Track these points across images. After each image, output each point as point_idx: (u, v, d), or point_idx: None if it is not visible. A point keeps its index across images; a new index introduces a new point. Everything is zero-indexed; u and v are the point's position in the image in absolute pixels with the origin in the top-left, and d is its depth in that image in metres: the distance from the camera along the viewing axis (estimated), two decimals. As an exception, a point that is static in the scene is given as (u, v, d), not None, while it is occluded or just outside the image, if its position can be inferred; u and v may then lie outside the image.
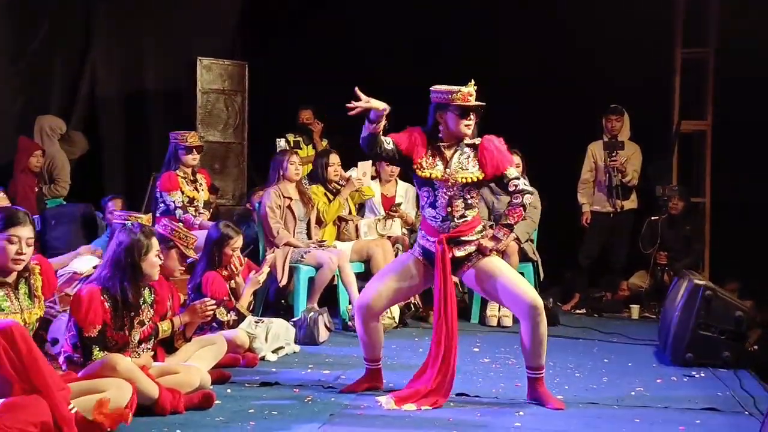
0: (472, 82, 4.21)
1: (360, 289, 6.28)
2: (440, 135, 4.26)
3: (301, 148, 8.16)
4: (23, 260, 3.53)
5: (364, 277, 6.60)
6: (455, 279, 4.47)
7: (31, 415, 3.16)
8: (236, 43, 9.14)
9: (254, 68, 8.58)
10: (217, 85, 8.45)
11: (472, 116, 4.20)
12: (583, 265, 7.76)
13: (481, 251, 4.25)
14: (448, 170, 4.22)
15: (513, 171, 4.29)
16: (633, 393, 4.57)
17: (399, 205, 7.12)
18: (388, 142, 4.20)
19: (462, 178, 4.21)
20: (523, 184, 4.28)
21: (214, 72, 8.42)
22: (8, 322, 3.27)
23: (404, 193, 7.28)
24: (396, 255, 6.73)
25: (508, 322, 6.67)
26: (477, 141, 4.28)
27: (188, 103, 8.39)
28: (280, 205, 6.42)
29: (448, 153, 4.25)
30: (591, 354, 5.73)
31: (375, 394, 4.34)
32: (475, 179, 4.23)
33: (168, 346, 4.48)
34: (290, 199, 6.47)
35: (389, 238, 6.95)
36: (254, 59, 8.65)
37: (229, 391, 4.38)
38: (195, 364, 4.36)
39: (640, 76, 7.96)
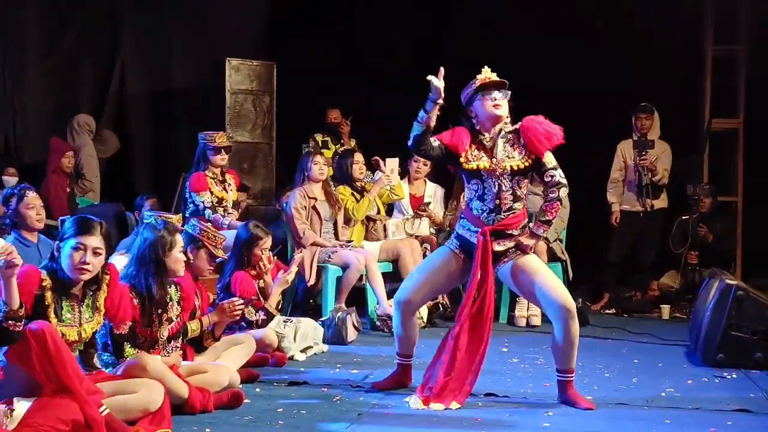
0: (485, 67, 4.21)
1: (387, 289, 6.31)
2: (478, 129, 4.24)
3: (329, 148, 8.18)
4: (88, 270, 3.44)
5: (392, 277, 6.62)
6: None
7: (62, 414, 3.18)
8: (264, 43, 9.18)
9: (282, 68, 8.61)
10: (246, 86, 8.49)
11: (496, 95, 4.16)
12: (612, 265, 7.71)
13: (521, 248, 4.23)
14: (494, 160, 4.18)
15: (551, 158, 4.23)
16: (663, 394, 4.53)
17: (428, 204, 7.11)
18: (434, 141, 4.19)
19: (509, 165, 4.16)
20: (560, 175, 4.24)
21: (242, 72, 8.46)
22: (41, 324, 3.27)
23: (433, 192, 7.27)
24: (424, 255, 6.72)
25: (536, 321, 6.64)
26: (517, 126, 4.23)
27: (216, 103, 8.44)
28: (305, 206, 6.44)
29: (490, 144, 4.21)
30: (620, 354, 5.69)
31: (403, 393, 4.34)
32: (524, 165, 4.17)
33: (197, 345, 4.51)
34: (315, 199, 6.49)
35: (417, 237, 6.95)
36: (282, 59, 8.67)
37: (258, 390, 4.40)
38: (224, 363, 4.39)
39: (671, 74, 7.90)
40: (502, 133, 4.23)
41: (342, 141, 8.35)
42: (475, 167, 4.18)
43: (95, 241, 3.44)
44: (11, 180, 7.16)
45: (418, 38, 8.46)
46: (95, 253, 3.44)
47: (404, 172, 7.24)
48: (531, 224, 4.32)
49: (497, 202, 4.19)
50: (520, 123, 4.23)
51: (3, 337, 3.21)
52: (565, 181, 4.26)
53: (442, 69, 4.09)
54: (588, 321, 6.80)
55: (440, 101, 4.10)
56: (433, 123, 4.15)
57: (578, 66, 8.11)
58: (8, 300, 3.18)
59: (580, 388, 4.50)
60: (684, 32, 7.96)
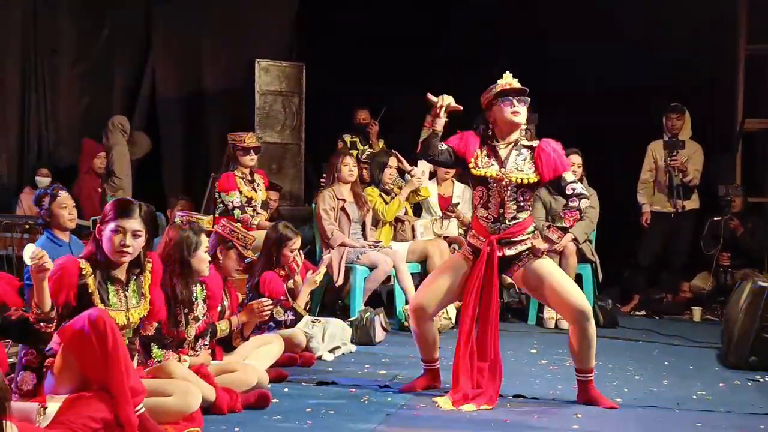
0: (507, 73, 4.21)
1: (416, 290, 6.30)
2: (493, 133, 4.25)
3: (357, 149, 8.19)
4: (128, 252, 3.43)
5: (420, 278, 6.59)
6: (511, 280, 4.45)
7: (93, 412, 3.20)
8: (293, 44, 9.22)
9: (311, 69, 8.64)
10: (275, 87, 8.52)
11: (516, 103, 4.17)
12: (643, 267, 7.64)
13: (533, 252, 4.23)
14: (503, 169, 4.20)
15: (570, 175, 4.27)
16: (694, 397, 4.48)
17: (456, 205, 7.10)
18: (442, 146, 4.24)
19: (517, 178, 4.19)
20: (581, 188, 4.26)
21: (271, 74, 8.50)
22: (98, 312, 3.25)
23: (461, 193, 7.25)
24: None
25: (566, 324, 6.58)
26: (534, 143, 4.26)
27: (246, 104, 8.49)
28: (333, 207, 6.46)
29: (503, 152, 4.24)
30: (651, 356, 5.64)
31: (432, 393, 4.34)
32: (530, 181, 4.20)
33: (226, 344, 4.53)
34: (344, 200, 6.50)
35: (446, 238, 6.94)
36: (311, 60, 8.71)
37: (286, 390, 4.41)
38: (253, 363, 4.41)
39: (703, 73, 7.82)
40: (518, 144, 4.25)
41: (370, 141, 8.36)
42: (482, 174, 4.20)
43: (135, 223, 3.45)
44: (44, 181, 7.26)
45: (448, 38, 8.45)
46: (135, 236, 3.44)
47: (432, 173, 7.23)
48: (546, 228, 4.33)
49: (501, 210, 4.21)
50: (538, 141, 4.26)
51: (35, 338, 3.25)
52: (587, 192, 4.29)
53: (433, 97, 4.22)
54: (617, 323, 6.76)
55: (438, 118, 4.18)
56: (439, 127, 4.19)
57: (608, 65, 8.05)
58: (39, 302, 3.22)
59: (610, 390, 4.48)
60: (717, 31, 7.87)
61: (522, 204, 4.22)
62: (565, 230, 4.30)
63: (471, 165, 4.22)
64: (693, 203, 7.55)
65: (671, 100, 7.52)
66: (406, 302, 6.30)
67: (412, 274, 6.44)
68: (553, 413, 4.07)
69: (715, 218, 7.49)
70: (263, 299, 4.63)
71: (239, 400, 3.94)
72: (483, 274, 4.18)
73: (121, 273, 3.50)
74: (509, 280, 6.57)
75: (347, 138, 8.32)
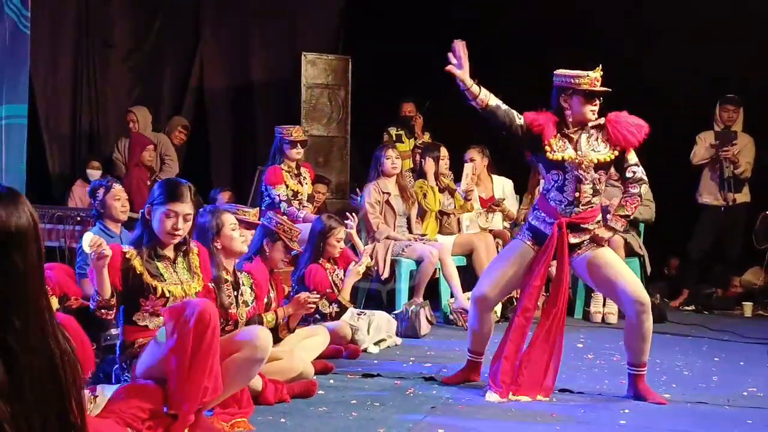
0: (600, 67, 4.14)
1: (462, 283, 6.29)
2: (566, 120, 4.17)
3: (402, 142, 8.19)
4: (179, 235, 3.51)
5: (466, 271, 6.60)
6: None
7: (144, 402, 3.25)
8: (340, 37, 9.24)
9: (357, 62, 8.66)
10: (321, 80, 8.55)
11: (597, 101, 4.12)
12: (693, 260, 7.53)
13: (596, 241, 4.17)
14: (579, 152, 4.14)
15: (634, 155, 4.19)
16: (745, 393, 4.41)
17: (502, 200, 7.05)
18: (519, 118, 4.13)
19: (596, 158, 4.11)
20: (641, 172, 4.19)
21: (318, 67, 8.53)
22: (206, 305, 3.25)
23: (501, 188, 7.20)
24: (497, 249, 6.68)
25: (612, 319, 6.54)
26: (601, 121, 4.18)
27: (293, 97, 8.53)
28: (379, 201, 6.47)
29: (574, 137, 4.17)
30: (700, 352, 5.56)
31: (475, 387, 4.33)
32: (609, 159, 4.14)
33: (273, 336, 4.56)
34: (389, 194, 6.51)
35: (491, 232, 6.91)
36: (357, 53, 8.72)
37: (331, 381, 4.44)
38: (299, 354, 4.44)
39: (757, 64, 7.65)
40: (586, 127, 4.18)
41: (415, 134, 8.36)
42: (560, 158, 4.12)
43: (186, 207, 3.50)
44: (95, 173, 7.37)
45: (494, 31, 8.40)
46: (185, 219, 3.51)
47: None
48: (608, 216, 4.27)
49: (576, 194, 4.14)
50: (604, 118, 4.18)
51: (96, 326, 3.30)
52: (646, 178, 4.22)
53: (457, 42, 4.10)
54: (666, 317, 6.67)
55: (473, 87, 4.08)
56: (486, 103, 4.09)
57: (656, 54, 7.93)
58: (100, 290, 3.28)
59: (658, 385, 4.43)
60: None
61: (598, 187, 4.17)
62: (627, 218, 4.23)
63: (547, 149, 4.12)
64: (744, 196, 7.41)
65: (725, 90, 7.38)
66: (451, 295, 6.29)
67: (457, 267, 6.43)
68: (600, 408, 4.04)
69: (767, 212, 7.34)
70: (310, 293, 4.65)
71: (285, 390, 3.97)
72: (559, 261, 4.14)
73: (169, 251, 3.56)
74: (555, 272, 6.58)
75: (392, 131, 8.32)
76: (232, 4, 9.01)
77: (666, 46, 7.93)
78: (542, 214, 4.22)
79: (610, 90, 4.13)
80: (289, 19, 9.07)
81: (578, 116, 4.15)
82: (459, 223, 6.97)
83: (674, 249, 7.71)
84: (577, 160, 4.11)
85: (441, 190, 6.91)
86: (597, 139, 4.16)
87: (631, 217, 4.31)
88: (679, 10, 7.83)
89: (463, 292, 6.38)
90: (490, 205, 7.05)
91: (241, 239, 4.12)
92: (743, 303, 7.25)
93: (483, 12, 8.43)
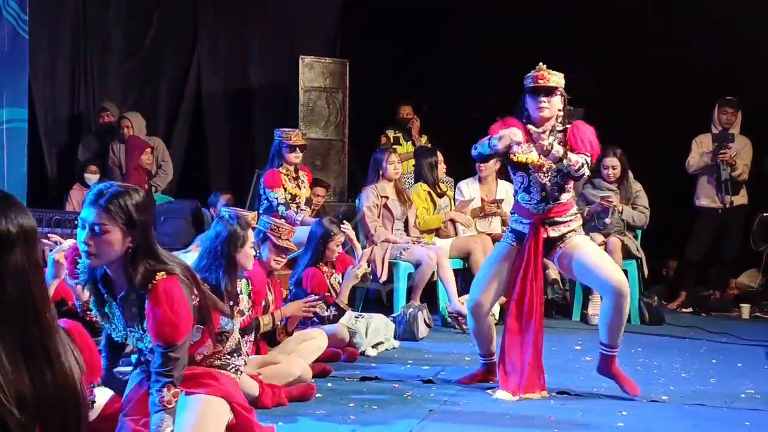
0: (541, 64, 4.22)
1: (459, 286, 6.30)
2: (529, 120, 4.26)
3: (400, 144, 8.20)
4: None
5: (463, 274, 6.61)
6: (555, 276, 4.45)
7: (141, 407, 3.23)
8: (337, 41, 9.25)
9: (355, 66, 8.67)
10: (319, 83, 8.56)
11: (543, 98, 4.18)
12: (691, 263, 7.54)
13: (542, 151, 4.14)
14: (542, 155, 4.20)
15: (583, 158, 4.17)
16: (743, 395, 4.41)
17: (501, 201, 7.05)
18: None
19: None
20: (587, 172, 4.26)
21: (315, 70, 8.54)
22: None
23: (505, 192, 7.21)
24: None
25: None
26: (568, 126, 4.28)
27: (291, 101, 8.54)
28: (377, 204, 6.48)
29: (544, 139, 4.21)
30: (698, 354, 5.56)
31: (475, 389, 4.34)
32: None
33: (270, 339, 4.57)
34: (387, 198, 6.52)
35: (489, 235, 6.91)
36: (355, 57, 8.73)
37: (329, 384, 4.44)
38: (297, 357, 4.44)
39: (755, 65, 7.67)
40: (554, 130, 4.26)
41: (413, 137, 8.37)
42: (524, 160, 4.20)
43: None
44: (93, 178, 7.37)
45: (492, 34, 8.42)
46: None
47: (473, 172, 7.21)
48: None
49: (543, 194, 4.25)
50: (571, 124, 4.26)
51: (88, 330, 3.30)
52: (588, 173, 4.32)
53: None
54: (664, 320, 6.68)
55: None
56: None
57: (656, 57, 7.95)
58: (78, 294, 3.28)
59: (656, 387, 4.44)
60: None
61: (564, 186, 4.27)
62: (560, 158, 4.12)
63: (511, 153, 4.20)
64: (741, 198, 7.41)
65: (723, 93, 7.39)
66: (449, 298, 6.30)
67: (454, 270, 6.44)
68: (598, 410, 4.04)
69: (765, 214, 7.35)
70: (311, 297, 4.65)
71: (283, 394, 3.97)
72: (528, 256, 4.22)
73: None
74: (553, 276, 6.59)
75: (390, 133, 8.33)
76: (230, 8, 9.01)
77: (665, 47, 7.94)
78: (518, 217, 4.34)
79: (553, 86, 4.17)
80: (286, 22, 9.08)
81: (532, 114, 4.24)
82: (455, 226, 6.98)
83: (672, 251, 7.71)
84: (539, 163, 4.20)
85: (440, 196, 6.93)
86: (559, 143, 4.21)
87: (565, 163, 4.15)
88: (679, 10, 7.84)
89: (462, 295, 6.39)
90: (490, 203, 7.05)
91: (253, 258, 4.15)
92: (741, 305, 7.25)
93: (482, 13, 8.45)
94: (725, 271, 7.61)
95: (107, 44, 8.57)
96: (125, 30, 8.69)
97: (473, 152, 4.30)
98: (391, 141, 8.16)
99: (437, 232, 6.91)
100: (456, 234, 6.94)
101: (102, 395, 3.31)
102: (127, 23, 8.70)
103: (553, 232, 4.27)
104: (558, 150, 4.13)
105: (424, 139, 8.30)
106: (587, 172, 4.26)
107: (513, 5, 8.34)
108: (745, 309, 7.17)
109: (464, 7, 8.52)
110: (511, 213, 4.47)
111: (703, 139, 7.44)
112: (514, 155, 4.19)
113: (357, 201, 6.72)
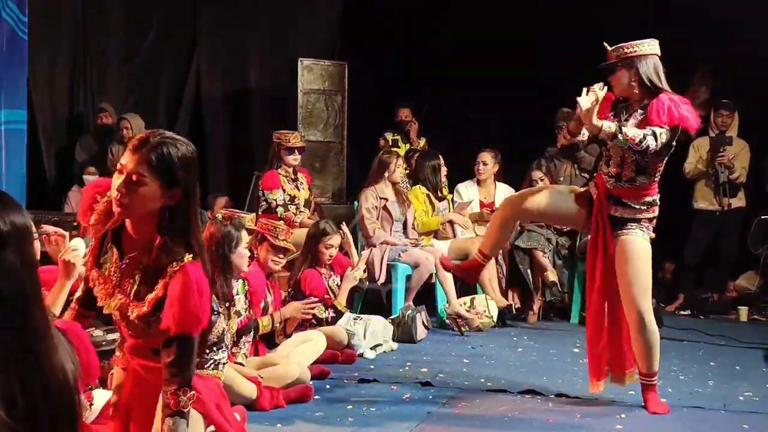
0: (605, 44, 4.12)
1: (457, 287, 6.30)
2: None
3: (399, 147, 8.20)
4: None
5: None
6: (554, 278, 4.39)
7: None
8: (336, 43, 9.26)
9: (354, 68, 8.68)
10: (318, 86, 8.56)
11: (610, 77, 4.06)
12: (689, 265, 7.54)
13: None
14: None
15: (649, 129, 3.94)
16: (741, 398, 4.42)
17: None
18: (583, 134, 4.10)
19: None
20: (652, 144, 3.91)
21: (314, 72, 8.54)
22: None
23: (503, 196, 7.19)
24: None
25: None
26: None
27: (289, 103, 8.55)
28: (376, 206, 6.48)
29: (628, 112, 4.11)
30: (696, 357, 5.57)
31: (474, 390, 4.33)
32: None
33: (268, 341, 4.57)
34: (386, 200, 6.52)
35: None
36: (353, 59, 8.74)
37: (327, 386, 4.44)
38: (295, 359, 4.44)
39: (755, 66, 7.67)
40: (642, 104, 4.07)
41: (411, 139, 8.37)
42: (597, 130, 3.94)
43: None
44: (91, 179, 7.37)
45: (489, 37, 8.42)
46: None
47: (471, 174, 7.22)
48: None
49: (618, 170, 4.07)
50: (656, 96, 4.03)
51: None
52: (653, 144, 3.91)
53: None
54: (662, 322, 6.65)
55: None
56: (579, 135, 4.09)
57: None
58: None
59: (654, 390, 4.43)
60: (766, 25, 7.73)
61: (644, 166, 4.03)
62: (616, 135, 3.89)
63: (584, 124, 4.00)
64: (739, 201, 7.42)
65: (723, 95, 7.39)
66: (447, 300, 6.30)
67: (453, 271, 6.44)
68: (596, 413, 4.04)
69: (762, 217, 7.35)
70: (310, 299, 4.65)
71: (281, 396, 3.97)
72: (597, 232, 4.06)
73: None
74: (552, 278, 6.60)
75: (389, 136, 8.34)
76: (229, 10, 9.02)
77: (665, 47, 7.93)
78: (595, 183, 4.17)
79: (613, 62, 4.07)
80: (285, 25, 9.09)
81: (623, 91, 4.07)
82: (453, 228, 6.99)
83: (670, 254, 7.71)
84: (608, 133, 3.91)
85: (440, 200, 6.94)
86: (636, 118, 4.05)
87: (621, 139, 3.88)
88: (679, 11, 7.85)
89: (460, 296, 6.39)
90: (489, 211, 7.05)
91: (247, 258, 4.14)
92: (739, 307, 7.25)
93: (481, 15, 8.45)
94: (723, 274, 7.62)
95: (106, 46, 8.58)
96: (124, 32, 8.69)
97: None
98: (390, 143, 8.17)
99: (436, 234, 6.91)
100: (454, 235, 6.94)
101: (100, 397, 3.31)
102: (126, 25, 8.70)
103: (616, 213, 4.06)
104: (609, 126, 3.85)
105: (422, 142, 8.30)
106: (652, 144, 3.86)
107: (512, 6, 8.35)
108: (743, 311, 7.18)
109: (463, 8, 8.52)
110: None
111: (700, 143, 7.44)
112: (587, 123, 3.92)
113: (356, 203, 6.72)
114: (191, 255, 2.34)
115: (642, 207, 4.09)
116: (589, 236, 4.19)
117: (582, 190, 4.31)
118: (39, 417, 1.54)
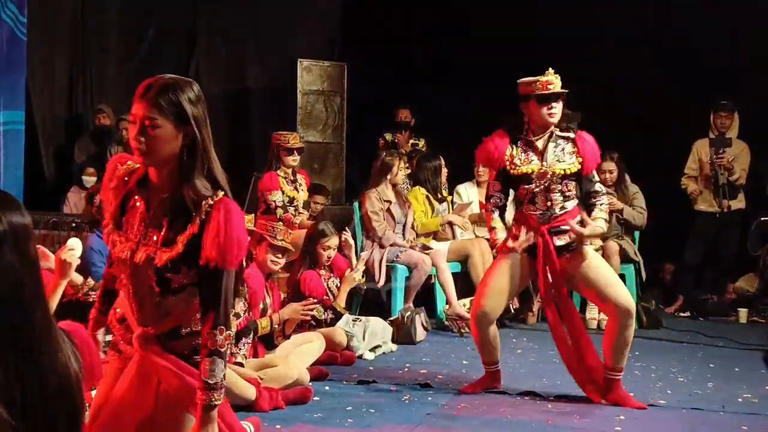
0: (550, 70, 4.21)
1: (458, 288, 6.30)
2: (528, 128, 4.25)
3: (398, 147, 8.19)
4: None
5: (461, 277, 6.60)
6: None
7: None
8: (335, 44, 9.25)
9: (353, 69, 8.68)
10: (317, 86, 8.56)
11: (554, 104, 4.17)
12: (689, 267, 7.54)
13: (575, 233, 4.17)
14: (545, 163, 4.19)
15: (596, 174, 4.37)
16: (740, 399, 4.42)
17: None
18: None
19: (561, 169, 4.19)
20: (603, 187, 4.42)
21: (313, 73, 8.55)
22: None
23: None
24: (494, 255, 6.68)
25: (609, 324, 6.54)
26: (571, 134, 4.26)
27: (288, 104, 8.55)
28: (381, 209, 6.48)
29: (540, 144, 4.23)
30: (696, 358, 5.56)
31: (472, 393, 4.33)
32: (575, 170, 4.20)
33: (268, 342, 4.57)
34: (389, 202, 6.52)
35: (488, 239, 6.91)
36: (353, 60, 8.74)
37: (327, 388, 4.43)
38: (294, 361, 4.44)
39: (756, 69, 7.68)
40: (553, 135, 4.25)
41: (398, 144, 8.36)
42: (525, 171, 4.20)
43: None
44: (91, 180, 7.37)
45: (489, 37, 8.43)
46: None
47: (471, 176, 7.22)
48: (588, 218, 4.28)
49: (548, 204, 4.21)
50: (575, 132, 4.26)
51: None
52: (605, 190, 4.44)
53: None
54: (661, 323, 6.68)
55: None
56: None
57: (654, 62, 7.96)
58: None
59: (654, 391, 4.44)
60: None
61: (567, 194, 4.23)
62: (604, 219, 4.31)
63: (510, 168, 4.22)
64: (739, 203, 7.41)
65: (720, 97, 7.40)
66: (447, 301, 6.29)
67: (453, 273, 6.43)
68: (595, 414, 4.04)
69: (762, 218, 7.35)
70: (306, 299, 4.65)
71: (280, 397, 3.97)
72: (545, 266, 4.18)
73: None
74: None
75: (388, 136, 8.33)
76: (228, 10, 9.02)
77: (663, 50, 7.95)
78: (524, 227, 4.26)
79: (564, 91, 4.18)
80: (284, 25, 9.08)
81: (538, 121, 4.21)
82: (453, 229, 6.98)
83: (669, 255, 7.71)
84: (542, 171, 4.18)
85: (440, 201, 6.94)
86: (563, 150, 4.22)
87: (617, 216, 4.40)
88: (678, 11, 7.85)
89: (460, 298, 6.39)
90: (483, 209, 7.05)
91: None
92: (738, 309, 7.25)
93: (480, 15, 8.45)
94: (723, 276, 7.61)
95: (105, 46, 8.57)
96: (123, 32, 8.69)
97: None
98: (389, 144, 8.16)
99: (435, 235, 6.91)
100: (453, 237, 6.94)
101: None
102: (124, 25, 8.70)
103: (559, 241, 4.20)
104: (598, 228, 4.21)
105: (421, 143, 8.30)
106: (609, 198, 4.37)
107: (511, 7, 8.35)
108: (743, 313, 7.17)
109: (463, 7, 8.52)
110: (513, 221, 4.39)
111: (701, 145, 7.43)
112: (515, 168, 4.19)
113: (355, 204, 6.72)
114: (222, 192, 2.39)
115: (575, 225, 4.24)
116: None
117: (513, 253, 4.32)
118: (38, 416, 1.53)
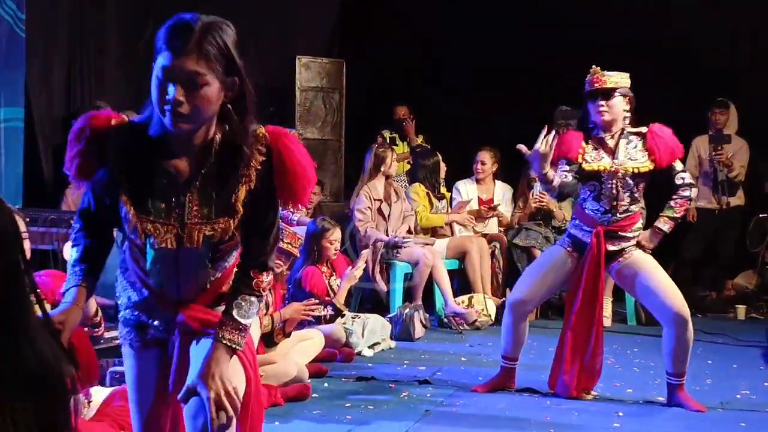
0: (594, 66, 4.13)
1: (456, 286, 6.30)
2: (595, 125, 4.16)
3: (396, 145, 8.20)
4: None
5: (458, 274, 6.60)
6: None
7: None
8: (334, 41, 9.25)
9: (351, 66, 8.67)
10: (316, 83, 8.55)
11: (601, 101, 4.07)
12: (687, 263, 7.54)
13: (640, 248, 4.14)
14: (616, 161, 4.09)
15: (680, 164, 4.20)
16: (739, 396, 4.42)
17: (497, 206, 7.04)
18: (565, 175, 4.09)
19: (633, 168, 4.07)
20: (689, 177, 4.22)
21: (312, 70, 8.54)
22: None
23: (502, 194, 7.20)
24: (492, 253, 6.70)
25: (606, 323, 6.52)
26: (643, 129, 4.14)
27: (287, 101, 8.53)
28: (369, 207, 6.47)
29: (611, 143, 4.13)
30: (695, 355, 5.49)
31: (469, 392, 4.33)
32: (646, 169, 4.09)
33: (268, 340, 4.56)
34: (380, 201, 6.51)
35: (486, 236, 6.91)
36: (351, 57, 8.73)
37: (326, 385, 4.44)
38: (293, 358, 4.44)
39: (756, 66, 7.68)
40: (624, 132, 4.13)
41: (409, 138, 8.37)
42: (596, 168, 4.07)
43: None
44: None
45: (487, 35, 8.42)
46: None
47: (470, 173, 7.22)
48: (657, 222, 4.22)
49: (614, 203, 4.10)
50: (646, 128, 4.15)
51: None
52: (693, 181, 4.25)
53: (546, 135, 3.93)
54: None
55: (546, 169, 3.95)
56: (552, 177, 4.02)
57: (652, 59, 7.96)
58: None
59: (652, 388, 4.44)
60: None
61: (636, 195, 4.13)
62: (676, 220, 4.21)
63: (582, 162, 4.09)
64: (738, 200, 7.42)
65: (722, 94, 7.40)
66: (444, 300, 6.29)
67: (449, 270, 6.43)
68: (594, 411, 4.05)
69: (761, 215, 7.36)
70: (311, 299, 4.65)
71: (279, 394, 3.97)
72: (590, 268, 4.08)
73: None
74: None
75: (386, 134, 8.33)
76: (227, 8, 8.99)
77: (663, 51, 7.95)
78: (581, 224, 4.16)
79: (611, 88, 4.08)
80: (283, 22, 9.07)
81: (595, 118, 4.12)
82: (452, 226, 6.98)
83: (668, 252, 7.70)
84: (612, 169, 4.06)
85: (439, 198, 6.93)
86: (635, 147, 4.11)
87: (680, 220, 4.24)
88: (678, 11, 7.85)
89: (457, 295, 6.39)
90: (487, 208, 7.04)
91: None
92: (737, 306, 7.25)
93: (480, 14, 8.45)
94: (721, 272, 7.62)
95: (104, 44, 8.56)
96: (122, 29, 8.67)
97: (553, 194, 4.18)
98: (387, 141, 8.16)
99: (434, 231, 6.91)
100: (452, 233, 6.94)
101: (99, 394, 3.31)
102: (123, 23, 8.68)
103: (612, 246, 4.09)
104: (665, 226, 4.17)
105: (420, 139, 8.29)
106: (689, 180, 4.17)
107: (512, 5, 8.34)
108: (741, 310, 7.18)
109: (463, 6, 8.52)
110: (573, 218, 4.29)
111: (699, 142, 7.44)
112: (587, 163, 4.07)
113: (352, 203, 6.71)
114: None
115: (635, 233, 4.18)
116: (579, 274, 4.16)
117: (561, 249, 4.25)
118: (20, 418, 1.50)
